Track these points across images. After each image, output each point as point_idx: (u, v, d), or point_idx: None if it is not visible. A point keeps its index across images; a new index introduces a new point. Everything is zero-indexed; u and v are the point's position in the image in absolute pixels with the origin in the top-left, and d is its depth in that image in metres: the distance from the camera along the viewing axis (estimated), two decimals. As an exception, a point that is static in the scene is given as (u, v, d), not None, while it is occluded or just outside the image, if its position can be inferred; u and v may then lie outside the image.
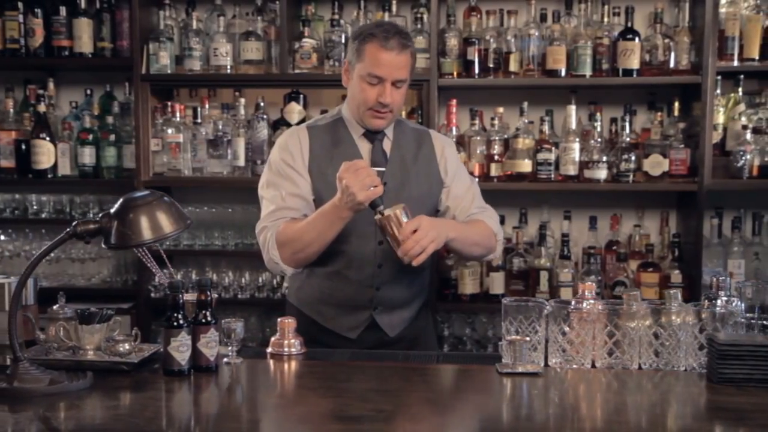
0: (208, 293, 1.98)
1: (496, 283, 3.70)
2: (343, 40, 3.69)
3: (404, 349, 2.46)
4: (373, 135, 2.49)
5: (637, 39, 3.53)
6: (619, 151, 3.61)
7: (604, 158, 3.58)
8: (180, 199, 4.04)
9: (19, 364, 1.81)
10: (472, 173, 3.65)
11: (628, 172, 3.58)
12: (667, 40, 3.55)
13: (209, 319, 1.97)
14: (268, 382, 2.07)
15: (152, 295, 3.83)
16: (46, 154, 3.78)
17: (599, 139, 3.62)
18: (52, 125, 3.84)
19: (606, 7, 3.63)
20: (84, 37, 3.76)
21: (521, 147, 3.66)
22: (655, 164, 3.55)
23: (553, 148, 3.62)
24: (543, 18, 3.68)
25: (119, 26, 3.78)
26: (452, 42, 3.67)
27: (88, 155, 3.81)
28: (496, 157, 3.67)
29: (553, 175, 3.62)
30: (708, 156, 3.47)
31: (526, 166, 3.64)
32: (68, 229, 1.85)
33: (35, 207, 3.90)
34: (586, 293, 2.06)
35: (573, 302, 2.06)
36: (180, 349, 1.92)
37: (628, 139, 3.61)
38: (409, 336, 2.55)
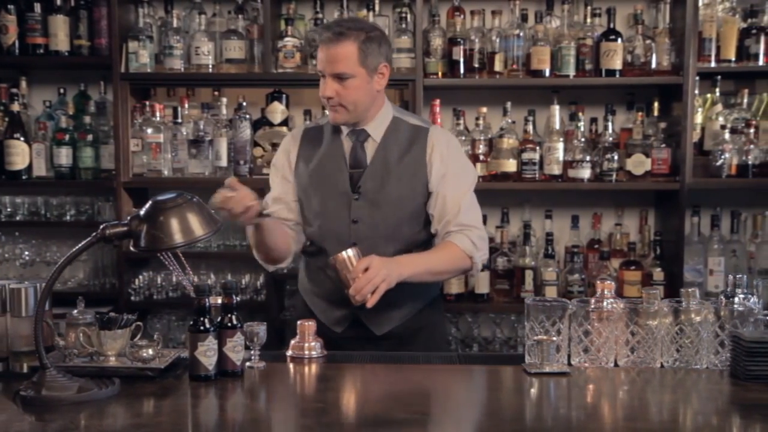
0: (233, 297, 1.95)
1: (481, 283, 3.71)
2: (327, 40, 3.66)
3: (393, 347, 2.44)
4: (355, 134, 2.48)
5: (619, 40, 3.59)
6: (601, 151, 3.66)
7: (588, 158, 3.63)
8: (159, 200, 4.01)
9: (46, 371, 1.74)
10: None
11: (611, 172, 3.63)
12: (648, 41, 3.61)
13: (235, 323, 1.94)
14: (296, 386, 2.05)
15: (132, 298, 3.75)
16: (20, 154, 3.67)
17: (582, 139, 3.67)
18: (25, 125, 3.73)
19: (588, 8, 3.68)
20: (60, 35, 3.66)
21: (506, 147, 3.68)
22: (638, 163, 3.61)
23: (537, 148, 3.65)
24: (524, 18, 3.72)
25: (97, 24, 3.68)
26: (436, 42, 3.68)
27: (64, 156, 3.71)
28: (481, 157, 3.69)
29: (537, 175, 3.66)
30: (689, 155, 3.55)
31: (510, 165, 3.66)
32: (96, 233, 1.80)
33: (9, 209, 3.78)
34: (606, 292, 2.09)
35: (593, 301, 2.08)
36: (207, 353, 1.89)
37: (611, 138, 3.66)
38: (402, 334, 2.49)
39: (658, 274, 3.62)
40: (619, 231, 3.84)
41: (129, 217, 1.81)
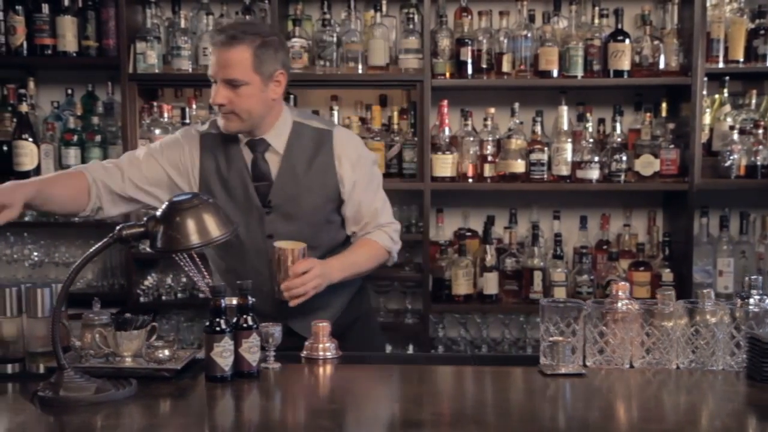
0: (248, 298, 1.94)
1: (490, 284, 3.71)
2: (335, 40, 3.67)
3: (341, 341, 2.29)
4: (254, 144, 2.37)
5: (627, 40, 3.59)
6: (609, 152, 3.66)
7: (596, 158, 3.63)
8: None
9: (63, 372, 1.74)
10: (465, 174, 3.68)
11: (620, 172, 3.63)
12: (656, 42, 3.61)
13: (250, 323, 1.93)
14: (312, 387, 2.05)
15: (141, 299, 3.75)
16: (29, 155, 3.66)
17: (590, 140, 3.67)
18: (33, 126, 3.72)
19: (595, 8, 3.68)
20: (68, 36, 3.66)
21: (514, 148, 3.68)
22: (647, 164, 3.61)
23: (546, 149, 3.65)
24: (532, 19, 3.72)
25: (105, 25, 3.68)
26: (444, 43, 3.68)
27: (73, 156, 3.70)
28: (489, 158, 3.69)
29: (546, 176, 3.66)
30: (698, 156, 3.55)
31: (519, 166, 3.66)
32: (113, 233, 1.80)
33: (17, 210, 3.77)
34: (620, 293, 2.08)
35: (607, 302, 2.08)
36: (223, 354, 1.88)
37: (619, 139, 3.66)
38: (335, 332, 2.28)
39: (667, 275, 3.62)
40: (628, 232, 3.84)
41: (145, 218, 1.81)
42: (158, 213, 1.81)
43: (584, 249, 3.73)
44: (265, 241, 2.35)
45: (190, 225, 1.78)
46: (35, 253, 3.81)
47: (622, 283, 2.10)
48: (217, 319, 1.89)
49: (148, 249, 1.77)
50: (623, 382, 1.98)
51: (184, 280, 3.81)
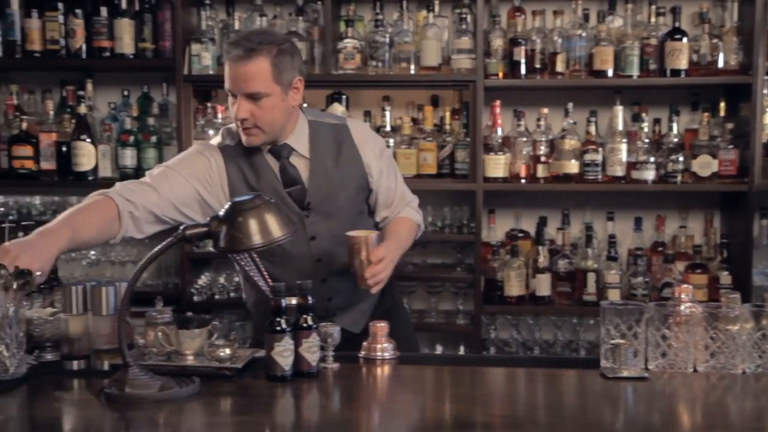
0: (308, 298, 1.95)
1: (543, 285, 3.68)
2: (387, 41, 3.67)
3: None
4: (277, 150, 2.35)
5: (685, 39, 3.53)
6: (666, 152, 3.61)
7: (652, 159, 3.58)
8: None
9: (128, 369, 1.77)
10: (517, 175, 3.66)
11: (676, 173, 3.58)
12: (714, 40, 3.55)
13: (310, 323, 1.94)
14: (371, 387, 2.05)
15: (195, 298, 3.79)
16: (87, 155, 3.73)
17: (646, 140, 3.62)
18: (91, 127, 3.79)
19: (652, 6, 3.63)
20: (125, 38, 3.72)
21: (567, 148, 3.65)
22: (704, 165, 3.55)
23: (600, 149, 3.61)
24: (586, 18, 3.68)
25: (161, 27, 3.73)
26: (497, 42, 3.66)
27: (129, 157, 3.77)
28: (542, 159, 3.66)
29: (600, 176, 3.61)
30: (758, 156, 3.48)
31: (572, 167, 3.63)
32: (177, 233, 1.82)
33: (75, 210, 3.84)
34: (683, 296, 2.05)
35: (670, 305, 2.04)
36: (284, 354, 1.89)
37: (675, 140, 3.60)
38: (377, 318, 2.32)
39: (725, 277, 3.55)
40: (684, 233, 3.78)
41: (208, 218, 1.83)
42: (221, 213, 1.83)
43: (639, 251, 3.68)
44: (308, 244, 2.36)
45: (253, 225, 1.79)
46: (92, 252, 3.87)
47: (685, 285, 2.07)
48: (278, 319, 1.90)
49: (210, 248, 1.77)
50: (687, 386, 1.95)
51: (236, 279, 3.85)
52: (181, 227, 1.83)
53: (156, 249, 1.81)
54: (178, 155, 2.50)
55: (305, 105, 3.13)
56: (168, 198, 2.26)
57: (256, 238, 1.79)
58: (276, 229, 1.81)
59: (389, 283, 2.46)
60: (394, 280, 2.61)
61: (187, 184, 2.29)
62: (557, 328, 3.83)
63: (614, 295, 3.59)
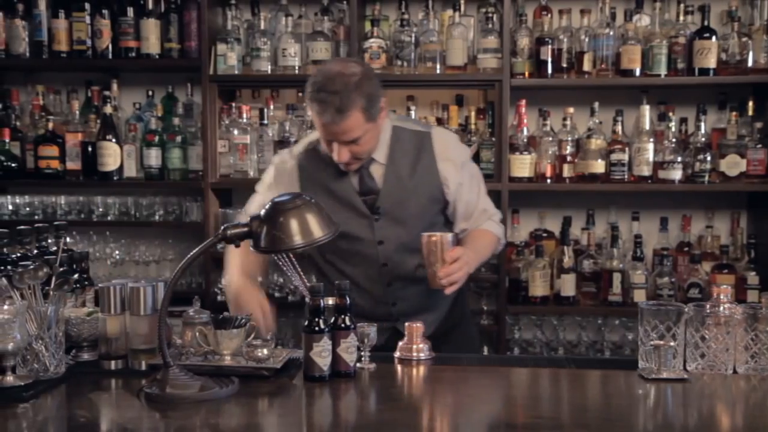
0: (346, 298, 1.95)
1: (567, 285, 3.66)
2: (413, 40, 3.66)
3: (437, 347, 2.33)
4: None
5: (714, 38, 3.50)
6: (693, 152, 3.58)
7: (679, 159, 3.56)
8: (246, 200, 4.03)
9: (169, 370, 1.77)
10: (543, 175, 3.64)
11: (704, 173, 3.55)
12: (744, 39, 3.52)
13: (348, 324, 1.94)
14: (408, 388, 2.05)
15: (218, 298, 3.79)
16: (112, 155, 3.74)
17: (673, 140, 3.59)
18: (116, 127, 3.80)
19: (680, 5, 3.60)
20: (151, 38, 3.72)
21: (593, 148, 3.63)
22: (732, 164, 3.53)
23: (626, 149, 3.59)
24: (613, 17, 3.66)
25: (187, 27, 3.73)
26: (523, 42, 3.64)
27: (154, 157, 3.77)
28: (568, 158, 3.64)
29: (626, 176, 3.59)
30: (787, 156, 3.45)
31: (598, 166, 3.61)
32: (218, 233, 1.82)
33: (101, 209, 3.86)
34: (722, 297, 2.03)
35: (708, 306, 2.03)
36: (322, 354, 1.89)
37: (703, 139, 3.58)
38: (433, 336, 2.38)
39: (753, 278, 3.52)
40: (710, 233, 3.75)
41: (250, 218, 1.82)
42: (262, 213, 1.82)
43: (665, 251, 3.66)
44: (376, 248, 2.40)
45: (294, 225, 1.79)
46: (116, 252, 3.89)
47: (724, 286, 2.05)
48: (316, 319, 1.90)
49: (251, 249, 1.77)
50: (727, 388, 1.94)
51: (260, 279, 3.84)
52: (222, 227, 1.83)
53: (197, 249, 1.81)
54: (264, 177, 2.61)
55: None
56: None
57: (297, 239, 1.79)
58: (317, 229, 1.81)
59: (461, 298, 2.51)
60: (465, 297, 2.65)
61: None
62: (582, 329, 3.81)
63: (640, 296, 3.57)
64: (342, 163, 2.32)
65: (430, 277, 2.25)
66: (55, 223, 2.43)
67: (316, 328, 1.90)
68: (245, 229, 1.81)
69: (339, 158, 2.29)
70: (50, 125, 3.77)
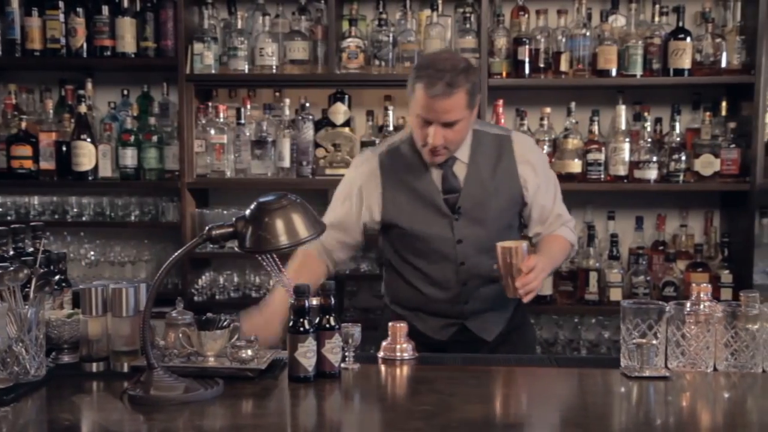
0: (331, 298, 1.94)
1: (545, 284, 3.68)
2: (390, 40, 3.66)
3: (491, 350, 2.47)
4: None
5: (688, 39, 3.54)
6: (668, 151, 3.62)
7: (654, 158, 3.59)
8: (222, 201, 4.02)
9: (153, 371, 1.75)
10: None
11: (678, 173, 3.59)
12: (718, 40, 3.56)
13: (333, 324, 1.93)
14: (392, 388, 2.04)
15: (195, 298, 3.77)
16: (87, 155, 3.70)
17: (648, 140, 3.63)
18: (91, 126, 3.76)
19: (655, 6, 3.64)
20: (127, 37, 3.68)
21: (570, 147, 3.65)
22: (707, 164, 3.57)
23: (603, 149, 3.62)
24: (589, 17, 3.69)
25: (163, 26, 3.70)
26: (501, 42, 3.66)
27: (129, 157, 3.73)
28: (545, 158, 3.66)
29: (603, 176, 3.62)
30: (760, 156, 3.50)
31: (575, 166, 3.63)
32: (202, 233, 1.80)
33: (75, 210, 3.81)
34: (702, 295, 2.05)
35: (689, 304, 2.05)
36: (307, 355, 1.88)
37: (678, 139, 3.62)
38: (503, 333, 2.52)
39: (726, 276, 3.57)
40: (684, 232, 3.80)
41: (234, 219, 1.81)
42: (247, 213, 1.81)
43: (640, 250, 3.70)
44: (454, 247, 2.42)
45: (279, 225, 1.78)
46: (91, 253, 3.85)
47: (704, 285, 2.08)
48: (301, 320, 1.89)
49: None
50: (708, 385, 1.96)
51: (236, 280, 3.84)
52: (207, 227, 1.82)
53: (182, 249, 1.80)
54: (338, 187, 2.59)
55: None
56: (350, 228, 2.49)
57: (283, 239, 1.78)
58: (303, 229, 1.80)
59: (516, 305, 2.55)
60: (521, 302, 2.65)
61: (351, 212, 2.49)
62: (558, 327, 3.84)
63: (616, 294, 3.62)
64: (434, 148, 2.32)
65: (505, 287, 2.26)
66: (32, 223, 2.40)
67: (301, 329, 1.89)
68: (230, 229, 1.80)
69: (434, 141, 2.29)
70: (23, 125, 3.72)
